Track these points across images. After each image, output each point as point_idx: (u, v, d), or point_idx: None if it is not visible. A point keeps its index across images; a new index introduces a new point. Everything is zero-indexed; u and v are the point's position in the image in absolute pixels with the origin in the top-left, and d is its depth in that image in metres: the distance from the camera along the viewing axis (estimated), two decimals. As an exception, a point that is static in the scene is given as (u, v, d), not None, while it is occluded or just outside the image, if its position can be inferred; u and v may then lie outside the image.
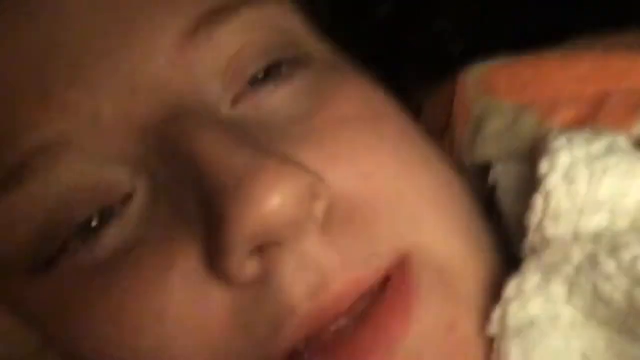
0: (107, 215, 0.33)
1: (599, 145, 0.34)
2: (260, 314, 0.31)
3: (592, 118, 0.37)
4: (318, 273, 0.31)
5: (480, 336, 0.33)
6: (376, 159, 0.34)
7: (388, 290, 0.32)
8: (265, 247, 0.31)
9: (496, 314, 0.33)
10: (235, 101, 0.35)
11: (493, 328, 0.33)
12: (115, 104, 0.33)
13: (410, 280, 0.32)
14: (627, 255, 0.32)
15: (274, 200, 0.30)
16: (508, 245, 0.37)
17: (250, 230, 0.30)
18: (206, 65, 0.34)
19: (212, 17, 0.34)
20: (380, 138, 0.35)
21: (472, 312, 0.34)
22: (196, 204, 0.32)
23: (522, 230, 0.35)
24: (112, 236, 0.33)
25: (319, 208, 0.32)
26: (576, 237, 0.34)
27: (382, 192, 0.34)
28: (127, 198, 0.33)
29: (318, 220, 0.32)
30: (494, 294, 0.34)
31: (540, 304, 0.33)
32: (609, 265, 0.32)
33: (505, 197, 0.38)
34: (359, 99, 0.36)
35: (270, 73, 0.35)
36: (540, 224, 0.34)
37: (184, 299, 0.32)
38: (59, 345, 0.34)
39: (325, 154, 0.33)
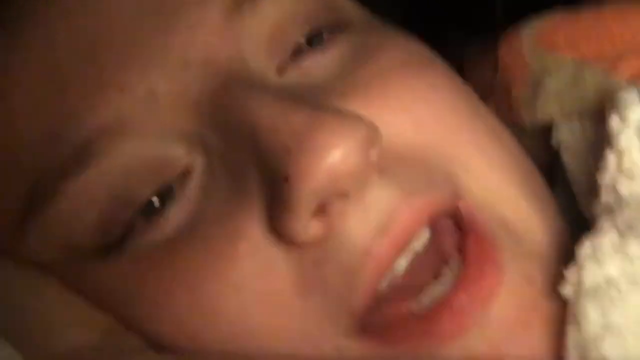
0: (167, 192, 0.33)
1: None
2: (332, 268, 0.31)
3: None
4: (384, 211, 0.31)
5: (552, 297, 0.32)
6: (425, 105, 0.34)
7: (468, 246, 0.32)
8: (327, 204, 0.31)
9: (570, 273, 0.32)
10: (281, 70, 0.34)
11: (567, 288, 0.32)
12: (168, 81, 0.33)
13: (487, 235, 0.32)
14: None
15: (337, 152, 0.30)
16: (576, 206, 0.36)
17: (317, 185, 0.30)
18: (251, 35, 0.34)
19: None
20: (428, 84, 0.34)
21: (544, 268, 0.33)
22: (254, 170, 0.31)
23: (591, 190, 0.34)
24: (176, 212, 0.33)
25: (375, 153, 0.31)
26: None
27: (433, 137, 0.33)
28: (186, 173, 0.33)
29: (375, 165, 0.31)
30: (563, 255, 0.33)
31: (617, 262, 0.32)
32: (688, 222, 0.30)
33: (571, 157, 0.37)
34: (402, 50, 0.36)
35: (313, 41, 0.35)
36: (614, 182, 0.33)
37: (256, 269, 0.31)
38: (134, 326, 0.33)
39: (373, 101, 0.33)
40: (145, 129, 0.32)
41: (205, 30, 0.33)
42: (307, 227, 0.30)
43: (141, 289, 0.33)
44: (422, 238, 0.32)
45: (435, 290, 0.32)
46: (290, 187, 0.30)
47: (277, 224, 0.31)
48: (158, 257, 0.32)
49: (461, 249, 0.32)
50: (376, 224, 0.31)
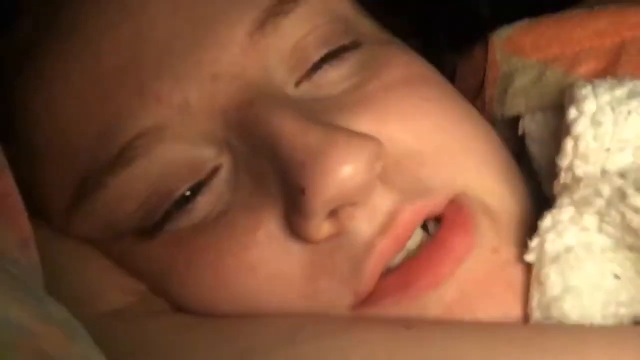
0: (198, 187, 0.36)
1: (622, 90, 0.36)
2: (341, 258, 0.34)
3: (612, 68, 0.39)
4: (386, 214, 0.35)
5: (519, 263, 0.36)
6: (423, 116, 0.37)
7: (448, 218, 0.35)
8: (338, 210, 0.34)
9: (534, 243, 0.35)
10: (299, 83, 0.37)
11: (531, 255, 0.35)
12: (200, 92, 0.35)
13: (466, 211, 0.35)
14: (653, 189, 0.33)
15: (347, 170, 0.33)
16: (539, 186, 0.39)
17: (329, 197, 0.33)
18: (274, 52, 0.36)
19: (278, 9, 0.37)
20: (425, 99, 0.38)
21: (511, 241, 0.36)
22: (274, 175, 0.34)
23: (552, 172, 0.37)
24: (204, 203, 0.36)
25: (380, 166, 0.34)
26: (604, 174, 0.35)
27: (427, 144, 0.37)
28: (214, 172, 0.36)
29: (379, 175, 0.34)
30: (528, 228, 0.36)
31: (574, 233, 0.35)
32: (637, 199, 0.33)
33: (535, 144, 0.40)
34: (404, 67, 0.38)
35: (328, 57, 0.38)
36: (571, 164, 0.36)
37: (270, 255, 0.35)
38: (164, 296, 0.37)
39: (377, 115, 0.36)
40: (179, 133, 0.35)
41: (233, 47, 0.36)
42: (320, 229, 0.34)
43: (172, 265, 0.36)
44: (417, 237, 0.36)
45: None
46: (307, 198, 0.33)
47: (294, 226, 0.34)
48: (188, 239, 0.36)
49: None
50: (380, 224, 0.34)
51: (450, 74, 0.42)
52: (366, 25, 0.41)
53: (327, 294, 0.35)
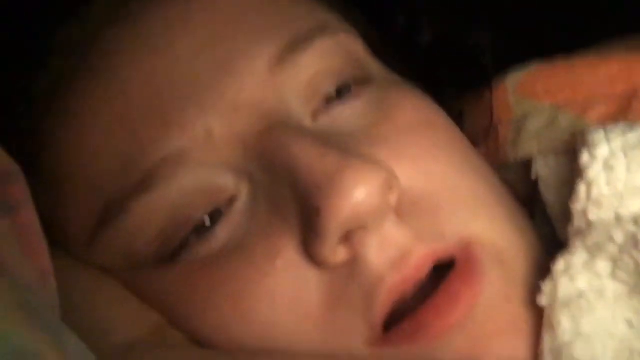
0: (216, 214, 0.36)
1: (634, 135, 0.35)
2: (354, 288, 0.34)
3: (623, 113, 0.39)
4: (398, 249, 0.35)
5: (530, 307, 0.35)
6: (434, 161, 0.37)
7: (457, 268, 0.35)
8: (351, 234, 0.34)
9: (547, 287, 0.35)
10: (314, 116, 0.38)
11: (544, 299, 0.35)
12: (222, 122, 0.36)
13: (475, 260, 0.35)
14: (666, 236, 0.32)
15: (361, 193, 0.33)
16: (552, 229, 0.39)
17: (343, 217, 0.33)
18: (290, 85, 0.37)
19: (295, 45, 0.38)
20: (435, 143, 0.38)
21: (523, 287, 0.36)
22: (292, 201, 0.35)
23: (565, 216, 0.37)
24: (222, 231, 0.36)
25: (393, 197, 0.35)
26: (618, 219, 0.35)
27: (441, 188, 0.37)
28: (233, 199, 0.36)
29: (392, 207, 0.35)
30: (539, 273, 0.36)
31: (587, 278, 0.35)
32: (650, 245, 0.32)
33: (548, 188, 0.40)
34: (415, 110, 0.39)
35: (341, 91, 0.38)
36: (584, 209, 0.35)
37: (289, 282, 0.35)
38: (180, 326, 0.37)
39: (392, 155, 0.36)
40: (201, 161, 0.36)
41: (253, 79, 0.37)
42: (334, 252, 0.34)
43: (189, 293, 0.36)
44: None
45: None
46: (321, 218, 0.33)
47: (309, 248, 0.34)
48: (206, 267, 0.36)
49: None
50: (391, 259, 0.34)
51: (457, 115, 0.42)
52: (376, 66, 0.41)
53: (343, 324, 0.35)
